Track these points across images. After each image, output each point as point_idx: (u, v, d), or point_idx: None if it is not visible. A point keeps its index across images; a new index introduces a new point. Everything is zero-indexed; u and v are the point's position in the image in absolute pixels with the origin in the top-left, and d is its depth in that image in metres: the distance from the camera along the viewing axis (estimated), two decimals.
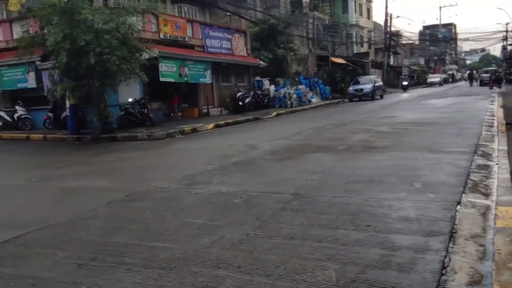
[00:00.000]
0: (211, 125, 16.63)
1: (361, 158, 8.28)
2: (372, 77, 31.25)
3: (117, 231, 4.80)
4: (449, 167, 7.04)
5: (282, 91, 24.90)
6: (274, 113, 21.24)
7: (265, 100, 24.53)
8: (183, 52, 19.16)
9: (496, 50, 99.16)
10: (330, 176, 6.93)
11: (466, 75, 56.79)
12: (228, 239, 4.30)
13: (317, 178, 6.76)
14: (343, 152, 9.05)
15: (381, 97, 31.02)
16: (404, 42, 64.42)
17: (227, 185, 6.67)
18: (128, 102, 17.11)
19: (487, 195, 5.48)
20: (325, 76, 32.51)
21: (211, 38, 21.85)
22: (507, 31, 51.16)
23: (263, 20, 27.66)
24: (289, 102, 24.64)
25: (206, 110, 21.09)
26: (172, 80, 18.45)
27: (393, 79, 51.85)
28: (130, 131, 15.29)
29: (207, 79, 20.59)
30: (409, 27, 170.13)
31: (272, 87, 25.37)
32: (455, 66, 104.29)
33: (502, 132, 10.36)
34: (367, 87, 28.95)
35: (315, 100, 29.01)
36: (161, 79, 17.68)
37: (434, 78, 59.07)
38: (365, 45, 49.04)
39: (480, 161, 7.45)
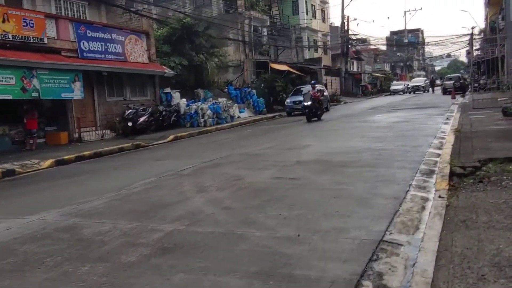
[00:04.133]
0: (48, 162, 11.56)
1: None
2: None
3: None
4: None
5: (194, 106, 19.92)
6: (171, 137, 16.27)
7: (173, 118, 19.55)
8: (32, 58, 14.00)
9: (462, 55, 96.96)
10: None
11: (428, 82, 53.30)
12: None
13: None
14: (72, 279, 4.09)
15: (327, 109, 26.29)
16: (371, 47, 60.79)
17: None
18: None
19: None
20: (262, 85, 27.69)
21: (90, 40, 16.75)
22: (472, 34, 47.59)
23: (178, 19, 22.65)
24: (202, 120, 19.67)
25: (77, 135, 15.93)
26: (10, 96, 13.27)
27: (352, 87, 47.65)
28: None
29: (76, 93, 15.45)
30: (372, 31, 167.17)
31: (183, 101, 20.41)
32: (422, 72, 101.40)
33: (440, 197, 5.60)
34: None
35: (245, 114, 24.20)
36: None
37: (397, 85, 54.95)
38: (320, 50, 44.61)
39: None
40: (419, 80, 53.96)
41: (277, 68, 29.46)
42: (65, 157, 12.09)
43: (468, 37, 51.70)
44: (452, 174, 6.61)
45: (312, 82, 22.33)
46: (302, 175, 7.70)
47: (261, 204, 5.92)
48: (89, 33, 16.80)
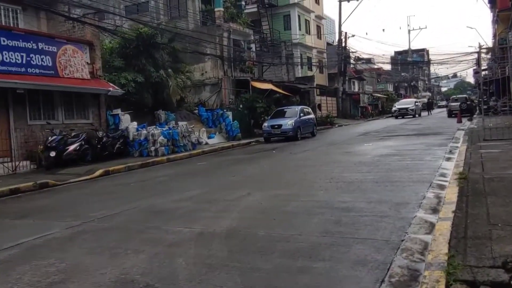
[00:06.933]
0: None
1: None
2: (298, 108, 22.83)
3: None
4: None
5: (144, 131, 16.52)
6: (99, 172, 12.83)
7: (117, 145, 16.13)
8: None
9: (469, 76, 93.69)
10: None
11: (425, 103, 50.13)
12: None
13: None
14: None
15: (313, 134, 22.87)
16: (373, 66, 57.61)
17: None
18: None
19: None
20: (241, 106, 24.32)
21: (5, 50, 13.52)
22: (480, 52, 44.16)
23: (134, 29, 19.43)
24: (153, 148, 16.24)
25: None
26: None
27: (350, 109, 44.17)
28: None
29: None
30: (374, 50, 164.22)
31: (133, 125, 17.03)
32: (428, 93, 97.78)
33: None
34: (288, 122, 20.69)
35: (215, 140, 20.80)
36: None
37: None
38: (314, 68, 41.32)
39: None
40: (408, 102, 42.87)
41: (260, 87, 26.10)
42: None
43: (475, 55, 48.35)
44: None
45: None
46: (177, 274, 4.20)
47: None
48: (4, 41, 13.57)
